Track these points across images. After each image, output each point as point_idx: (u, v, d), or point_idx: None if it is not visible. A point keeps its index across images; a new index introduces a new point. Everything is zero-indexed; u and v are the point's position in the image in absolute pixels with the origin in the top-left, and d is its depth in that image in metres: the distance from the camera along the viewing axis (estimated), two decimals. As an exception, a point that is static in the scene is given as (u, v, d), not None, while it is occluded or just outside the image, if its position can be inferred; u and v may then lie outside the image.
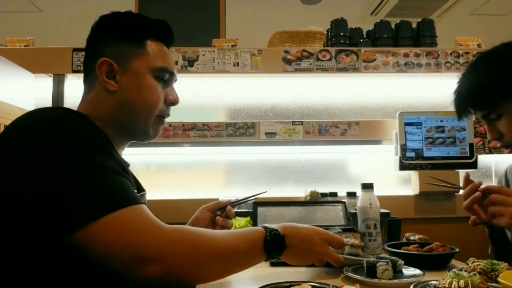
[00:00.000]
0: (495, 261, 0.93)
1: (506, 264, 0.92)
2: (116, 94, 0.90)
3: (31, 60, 1.72)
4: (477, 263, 0.94)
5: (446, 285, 0.81)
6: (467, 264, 0.97)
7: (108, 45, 0.92)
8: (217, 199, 1.73)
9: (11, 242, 0.68)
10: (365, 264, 0.97)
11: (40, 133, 0.71)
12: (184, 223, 1.10)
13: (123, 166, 0.80)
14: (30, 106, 1.62)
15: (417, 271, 0.98)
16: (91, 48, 0.95)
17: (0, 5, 3.72)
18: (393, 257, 1.03)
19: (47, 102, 1.73)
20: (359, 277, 0.93)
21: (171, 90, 0.98)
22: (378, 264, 0.94)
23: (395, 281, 0.92)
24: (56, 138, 0.71)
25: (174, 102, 0.98)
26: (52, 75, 1.78)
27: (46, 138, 0.70)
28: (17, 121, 0.76)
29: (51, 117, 0.76)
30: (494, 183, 1.94)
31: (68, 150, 0.70)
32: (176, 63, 1.79)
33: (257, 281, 0.91)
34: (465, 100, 1.13)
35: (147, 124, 0.93)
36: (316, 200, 1.62)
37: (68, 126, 0.74)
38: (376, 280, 0.91)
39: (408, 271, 1.00)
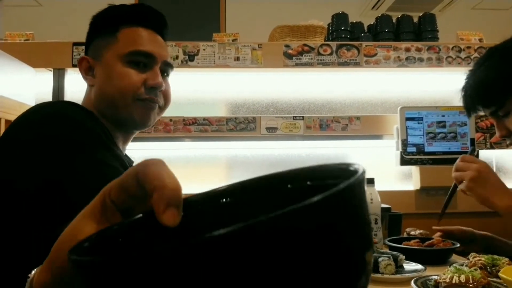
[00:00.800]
0: (496, 256, 0.94)
1: (507, 259, 0.92)
2: (94, 87, 0.92)
3: (31, 54, 1.71)
4: (478, 258, 0.95)
5: (447, 280, 0.81)
6: (468, 259, 0.97)
7: (89, 43, 0.96)
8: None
9: (12, 234, 0.69)
10: None
11: (43, 126, 0.73)
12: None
13: (124, 164, 0.81)
14: (30, 101, 1.62)
15: (419, 266, 0.98)
16: (86, 44, 0.99)
17: (0, -1, 3.71)
18: (394, 252, 1.03)
19: (48, 97, 1.73)
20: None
21: (152, 74, 0.92)
22: (381, 259, 0.94)
23: (398, 276, 0.93)
24: (58, 131, 0.72)
25: (154, 86, 0.92)
26: (52, 69, 1.77)
27: (49, 131, 0.72)
28: (23, 115, 0.79)
29: (55, 111, 0.78)
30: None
31: (70, 143, 0.71)
32: (177, 57, 1.78)
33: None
34: (472, 97, 1.12)
35: (128, 111, 0.90)
36: (316, 195, 1.62)
37: (72, 121, 0.75)
38: (378, 275, 0.91)
39: (410, 266, 1.00)
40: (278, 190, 0.32)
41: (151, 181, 0.29)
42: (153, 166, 0.31)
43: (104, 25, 0.94)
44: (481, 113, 1.17)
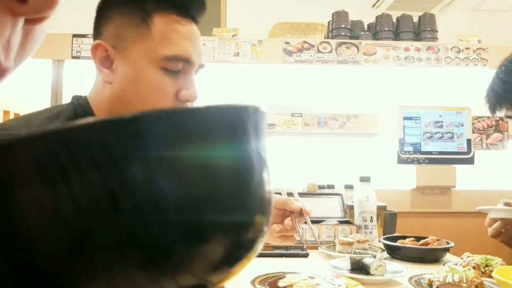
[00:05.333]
0: (489, 256, 0.95)
1: (500, 259, 0.93)
2: (112, 86, 0.75)
3: (30, 45, 1.70)
4: (471, 257, 0.96)
5: (441, 279, 0.82)
6: (462, 258, 0.98)
7: (106, 23, 0.75)
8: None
9: None
10: (349, 260, 0.97)
11: None
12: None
13: None
14: (28, 91, 1.62)
15: (401, 267, 0.98)
16: (95, 25, 0.78)
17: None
18: (368, 251, 1.06)
19: (47, 88, 1.72)
20: (357, 275, 0.93)
21: (186, 83, 0.75)
22: (372, 260, 0.94)
23: (389, 276, 0.93)
24: None
25: (188, 99, 0.76)
26: (51, 60, 1.76)
27: None
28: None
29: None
30: (490, 179, 1.96)
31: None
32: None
33: (247, 273, 0.92)
34: (497, 96, 1.12)
35: None
36: (313, 192, 1.63)
37: None
38: (370, 277, 0.92)
39: (391, 266, 1.00)
40: None
41: None
42: None
43: (132, 3, 0.74)
44: (502, 113, 1.15)
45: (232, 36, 1.84)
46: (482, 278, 0.84)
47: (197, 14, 0.77)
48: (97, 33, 0.76)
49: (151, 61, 0.72)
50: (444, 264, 0.90)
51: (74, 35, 1.75)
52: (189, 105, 0.77)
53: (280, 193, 0.99)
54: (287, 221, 0.87)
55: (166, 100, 0.73)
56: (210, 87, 1.95)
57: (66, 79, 1.77)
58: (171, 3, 0.73)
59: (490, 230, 1.16)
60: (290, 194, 0.98)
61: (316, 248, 1.21)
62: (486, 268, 0.92)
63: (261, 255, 1.10)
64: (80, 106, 0.76)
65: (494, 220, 1.15)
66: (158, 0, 0.73)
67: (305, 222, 0.90)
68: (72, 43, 1.74)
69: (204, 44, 1.79)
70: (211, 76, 1.94)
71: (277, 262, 1.04)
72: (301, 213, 0.88)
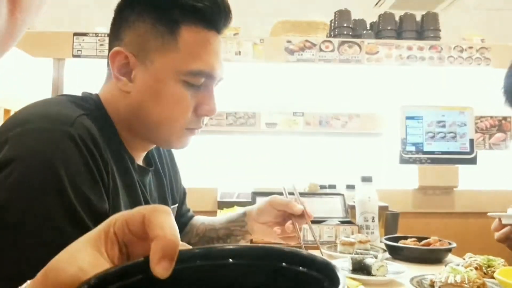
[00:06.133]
0: (491, 257, 0.94)
1: (502, 260, 0.93)
2: (130, 95, 0.71)
3: (32, 43, 1.70)
4: (473, 258, 0.95)
5: (443, 280, 0.81)
6: (464, 259, 0.97)
7: (128, 29, 0.71)
8: (216, 189, 1.74)
9: None
10: (351, 261, 0.97)
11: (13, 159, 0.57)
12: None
13: (132, 184, 0.71)
14: (29, 89, 1.61)
15: (402, 267, 0.98)
16: (113, 28, 0.74)
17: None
18: (370, 252, 1.05)
19: (47, 86, 1.72)
20: (358, 276, 0.92)
21: (207, 98, 0.74)
22: (374, 261, 0.93)
23: (392, 276, 0.92)
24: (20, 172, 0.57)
25: (207, 114, 0.75)
26: (52, 59, 1.76)
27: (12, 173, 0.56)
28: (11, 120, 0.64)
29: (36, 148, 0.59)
30: (492, 179, 1.95)
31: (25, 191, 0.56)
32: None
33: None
34: None
35: (170, 138, 0.75)
36: (315, 192, 1.62)
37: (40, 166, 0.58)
38: (372, 278, 0.91)
39: (392, 267, 0.99)
40: (261, 261, 0.33)
41: (154, 229, 0.31)
42: (159, 214, 0.32)
43: (159, 12, 0.70)
44: None
45: (234, 35, 1.83)
46: (484, 279, 0.83)
47: (224, 28, 0.75)
48: (116, 37, 0.73)
49: (175, 74, 0.70)
50: (446, 265, 0.89)
51: (75, 34, 1.75)
52: (206, 119, 0.77)
53: (281, 193, 0.98)
54: (288, 224, 0.87)
55: (185, 113, 0.72)
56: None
57: (67, 78, 1.76)
58: (200, 15, 0.70)
59: (497, 234, 1.16)
60: (291, 194, 0.97)
61: (317, 248, 1.20)
62: (488, 269, 0.92)
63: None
64: (97, 109, 0.72)
65: (503, 225, 1.15)
66: (186, 11, 0.70)
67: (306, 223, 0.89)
68: (73, 42, 1.74)
69: (205, 43, 1.79)
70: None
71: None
72: (302, 215, 0.87)
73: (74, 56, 1.74)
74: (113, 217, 0.34)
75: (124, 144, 0.74)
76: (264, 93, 1.95)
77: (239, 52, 1.79)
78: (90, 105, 0.71)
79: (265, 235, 0.96)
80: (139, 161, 0.80)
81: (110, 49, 0.72)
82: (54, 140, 0.60)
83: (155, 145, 0.83)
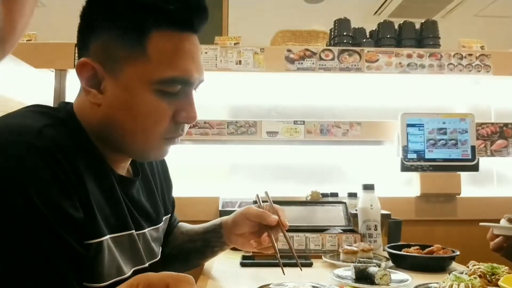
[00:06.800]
0: (495, 265, 0.93)
1: (506, 268, 0.92)
2: (101, 108, 0.67)
3: (34, 55, 1.71)
4: (477, 266, 0.94)
5: (447, 288, 0.80)
6: (468, 267, 0.96)
7: (94, 37, 0.66)
8: (217, 198, 1.73)
9: None
10: (353, 269, 0.96)
11: None
12: (183, 221, 1.10)
13: (114, 194, 0.68)
14: (31, 100, 1.62)
15: (406, 276, 0.97)
16: (79, 36, 0.69)
17: None
18: (373, 260, 1.04)
19: (49, 97, 1.73)
20: (361, 285, 0.91)
21: (185, 104, 0.69)
22: (377, 270, 0.93)
23: (394, 285, 0.92)
24: None
25: (187, 122, 0.70)
26: (54, 70, 1.77)
27: None
28: None
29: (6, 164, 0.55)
30: (496, 186, 1.94)
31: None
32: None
33: (251, 282, 0.91)
34: None
35: (145, 149, 0.70)
36: (316, 200, 1.62)
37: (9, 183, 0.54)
38: (375, 287, 0.90)
39: (396, 275, 0.98)
40: None
41: None
42: (184, 285, 0.35)
43: (124, 15, 0.64)
44: None
45: (234, 44, 1.84)
46: (489, 287, 0.82)
47: (201, 26, 0.69)
48: (82, 47, 0.69)
49: (147, 84, 0.65)
50: (449, 273, 0.89)
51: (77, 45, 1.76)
52: (187, 127, 0.72)
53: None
54: (264, 237, 0.85)
55: (161, 124, 0.67)
56: (212, 95, 1.95)
57: (69, 89, 1.77)
58: (171, 18, 0.64)
59: (491, 244, 1.18)
60: (265, 201, 0.96)
61: (320, 257, 1.20)
62: (492, 277, 0.91)
63: (263, 265, 1.09)
64: (70, 119, 0.69)
65: (496, 235, 1.17)
66: (155, 15, 0.64)
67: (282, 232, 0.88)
68: (75, 53, 1.75)
69: (206, 53, 1.80)
70: (214, 85, 1.95)
71: (280, 272, 1.03)
72: (277, 225, 0.86)
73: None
74: (136, 279, 0.36)
75: (103, 155, 0.70)
76: (265, 101, 1.96)
77: (240, 62, 1.80)
78: (62, 115, 0.68)
79: (242, 246, 0.95)
80: (122, 171, 0.77)
81: (78, 59, 0.68)
82: (17, 154, 0.56)
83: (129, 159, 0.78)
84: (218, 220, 0.99)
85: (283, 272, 0.83)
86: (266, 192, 0.97)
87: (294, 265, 0.87)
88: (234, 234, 0.93)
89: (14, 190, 0.54)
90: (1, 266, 0.52)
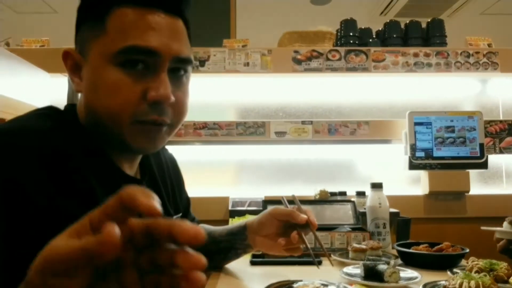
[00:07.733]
0: (494, 261, 0.93)
1: (505, 264, 0.92)
2: (83, 94, 0.68)
3: (47, 60, 1.75)
4: (476, 262, 0.94)
5: (457, 286, 0.81)
6: (467, 263, 0.97)
7: (76, 30, 0.69)
8: (227, 198, 1.76)
9: None
10: (362, 267, 0.97)
11: None
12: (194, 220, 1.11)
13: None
14: (45, 105, 1.66)
15: (415, 273, 0.97)
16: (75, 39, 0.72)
17: (16, 6, 3.78)
18: (382, 258, 1.05)
19: (63, 101, 1.77)
20: (370, 282, 0.92)
21: (154, 81, 0.63)
22: (386, 267, 0.93)
23: (403, 283, 0.93)
24: None
25: (158, 99, 0.63)
26: (67, 74, 1.81)
27: None
28: None
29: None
30: (504, 183, 1.94)
31: None
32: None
33: (261, 280, 0.92)
34: None
35: (122, 136, 0.65)
36: (325, 199, 1.63)
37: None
38: (385, 284, 0.91)
39: (405, 273, 0.99)
40: None
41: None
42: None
43: (91, 4, 0.67)
44: None
45: (242, 46, 1.86)
46: (499, 284, 0.83)
47: (172, 3, 0.66)
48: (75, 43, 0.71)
49: (107, 59, 0.62)
50: (449, 271, 0.90)
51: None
52: (160, 107, 0.65)
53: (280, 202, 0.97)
54: (294, 235, 0.84)
55: (127, 101, 0.62)
56: (221, 97, 1.97)
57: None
58: None
59: (498, 246, 1.20)
60: (291, 202, 0.95)
61: (324, 255, 1.20)
62: (491, 273, 0.91)
63: (274, 263, 1.10)
64: (74, 120, 0.70)
65: (500, 238, 1.19)
66: None
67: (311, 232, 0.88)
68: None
69: (214, 55, 1.82)
70: (222, 86, 1.97)
71: (290, 270, 1.05)
72: (306, 224, 0.86)
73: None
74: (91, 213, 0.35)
75: (107, 154, 0.69)
76: (273, 102, 1.98)
77: (248, 63, 1.82)
78: (66, 117, 0.69)
79: (268, 248, 0.94)
80: (131, 171, 0.75)
81: None
82: (12, 156, 0.56)
83: (135, 158, 0.76)
84: (242, 222, 0.99)
85: (318, 266, 0.88)
86: (293, 195, 0.96)
87: (311, 263, 0.89)
88: (259, 236, 0.92)
89: (5, 189, 0.54)
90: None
